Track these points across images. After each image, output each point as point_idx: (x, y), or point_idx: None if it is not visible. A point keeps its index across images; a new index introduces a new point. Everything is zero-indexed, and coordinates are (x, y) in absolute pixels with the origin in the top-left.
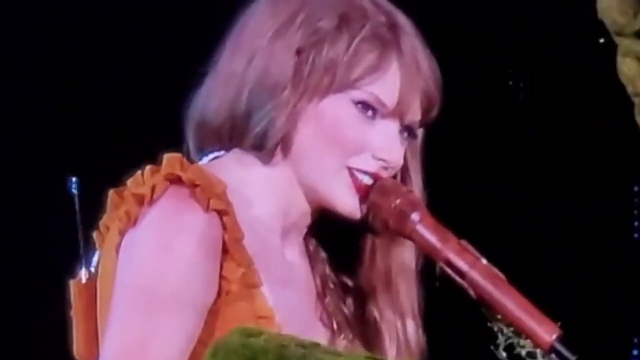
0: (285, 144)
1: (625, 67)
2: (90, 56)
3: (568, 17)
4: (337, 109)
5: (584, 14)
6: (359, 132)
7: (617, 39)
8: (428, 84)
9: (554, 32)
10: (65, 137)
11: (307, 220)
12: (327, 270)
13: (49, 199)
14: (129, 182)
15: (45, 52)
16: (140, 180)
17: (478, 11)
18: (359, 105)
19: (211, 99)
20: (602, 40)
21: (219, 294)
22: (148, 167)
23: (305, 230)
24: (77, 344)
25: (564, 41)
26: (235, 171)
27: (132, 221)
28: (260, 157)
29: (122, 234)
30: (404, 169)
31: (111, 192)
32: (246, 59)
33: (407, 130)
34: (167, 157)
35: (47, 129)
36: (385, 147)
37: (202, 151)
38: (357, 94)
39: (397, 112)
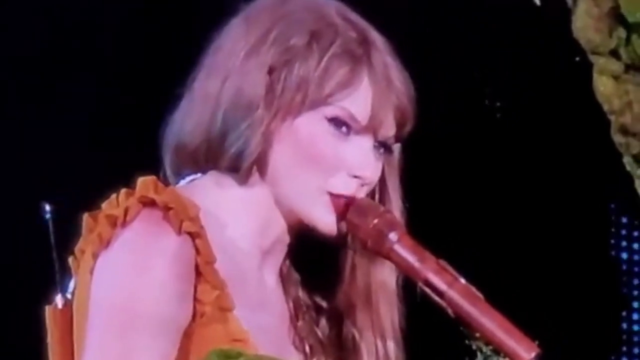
0: (261, 164)
1: (601, 85)
2: (65, 77)
3: (544, 36)
4: (311, 126)
5: (559, 32)
6: (333, 149)
7: (592, 58)
8: (400, 99)
9: (530, 50)
10: (41, 161)
11: (287, 240)
12: (300, 292)
13: (23, 226)
14: (104, 205)
15: (21, 72)
16: (115, 203)
17: (454, 29)
18: (333, 122)
19: (186, 121)
20: (577, 59)
21: (193, 316)
22: (123, 191)
23: (285, 250)
24: None
25: (540, 60)
26: (211, 193)
27: (104, 243)
28: (236, 179)
29: (95, 256)
30: (382, 186)
31: (86, 216)
32: (220, 80)
33: (382, 145)
34: (141, 180)
35: (22, 154)
36: (360, 163)
37: (179, 174)
38: (330, 110)
39: (370, 128)
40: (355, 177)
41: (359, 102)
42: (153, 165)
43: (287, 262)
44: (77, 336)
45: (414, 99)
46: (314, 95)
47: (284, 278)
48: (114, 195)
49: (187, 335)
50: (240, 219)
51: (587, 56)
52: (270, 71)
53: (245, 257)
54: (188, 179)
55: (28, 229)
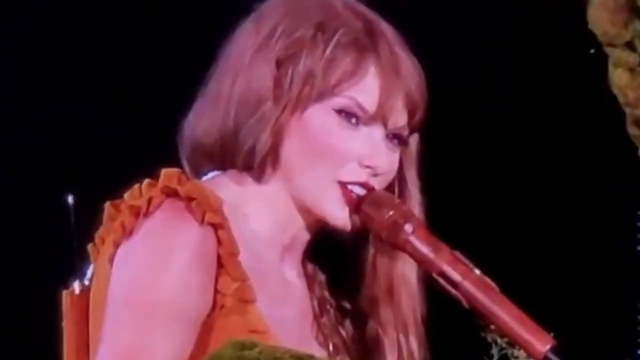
0: (274, 159)
1: (617, 77)
2: (88, 71)
3: (559, 28)
4: (320, 119)
5: (574, 24)
6: (343, 140)
7: (608, 50)
8: (409, 88)
9: (545, 42)
10: (64, 151)
11: (306, 236)
12: (326, 293)
13: (45, 213)
14: (127, 195)
15: (44, 65)
16: (138, 193)
17: (469, 20)
18: (342, 113)
19: (201, 121)
20: (592, 51)
21: (213, 307)
22: (146, 181)
23: (304, 247)
24: (68, 356)
25: (555, 52)
26: (232, 189)
27: (127, 233)
28: (253, 176)
29: (116, 245)
30: (401, 179)
31: (107, 205)
32: (231, 79)
33: (396, 137)
34: (165, 171)
35: (46, 143)
36: (371, 153)
37: (198, 173)
38: (338, 101)
39: (380, 117)
40: (367, 167)
41: (366, 91)
42: (177, 159)
43: (312, 263)
44: (93, 322)
45: (424, 87)
46: (321, 87)
47: (309, 277)
48: (136, 186)
49: (207, 327)
50: (261, 215)
51: (603, 48)
52: (278, 65)
53: (267, 251)
54: (209, 175)
55: (50, 217)
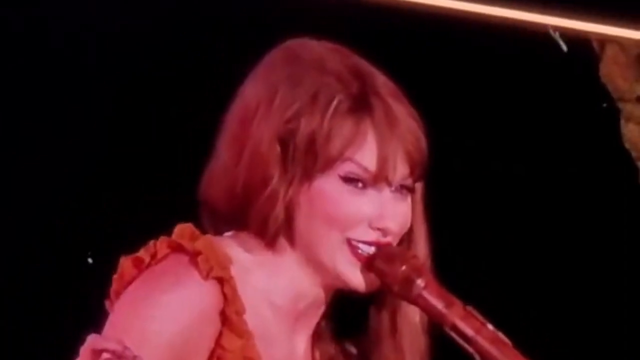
0: (286, 231)
1: (628, 131)
2: (109, 125)
3: (572, 82)
4: (328, 188)
5: (587, 78)
6: (353, 207)
7: (619, 104)
8: (407, 142)
9: (557, 97)
10: (90, 212)
11: (322, 302)
12: (333, 349)
13: (68, 270)
14: (142, 250)
15: (72, 116)
16: (150, 248)
17: (485, 75)
18: (348, 180)
19: (213, 186)
20: (605, 105)
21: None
22: (161, 238)
23: (321, 312)
24: None
25: (568, 106)
26: (244, 251)
27: (126, 283)
28: (266, 243)
29: (116, 294)
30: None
31: (122, 259)
32: (237, 150)
33: (403, 187)
34: (179, 226)
35: (69, 201)
36: (380, 214)
37: (217, 231)
38: (343, 168)
39: (382, 177)
40: (378, 229)
41: (368, 154)
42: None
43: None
44: None
45: (423, 140)
46: (324, 158)
47: (315, 336)
48: (152, 242)
49: None
50: (273, 283)
51: (615, 102)
52: (280, 141)
53: (276, 320)
54: (226, 234)
55: (73, 274)
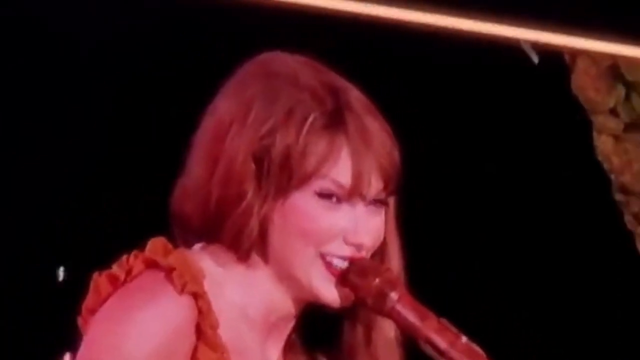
0: (260, 246)
1: (601, 143)
2: (85, 137)
3: (544, 94)
4: (303, 204)
5: (558, 90)
6: (328, 222)
7: (592, 116)
8: (381, 157)
9: (529, 109)
10: (60, 224)
11: (293, 316)
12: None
13: (36, 287)
14: (114, 266)
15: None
16: (124, 264)
17: (452, 88)
18: (323, 196)
19: (185, 201)
20: (577, 117)
21: None
22: (134, 252)
23: (292, 325)
24: None
25: (540, 118)
26: (215, 265)
27: (101, 300)
28: (239, 257)
29: (91, 312)
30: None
31: (95, 276)
32: (210, 165)
33: (377, 200)
34: (151, 241)
35: (39, 214)
36: (354, 230)
37: (188, 244)
38: (318, 185)
39: (357, 193)
40: (352, 244)
41: (343, 170)
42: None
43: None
44: None
45: (396, 155)
46: (299, 174)
47: (287, 347)
48: (124, 257)
49: None
50: (246, 296)
51: (587, 115)
52: (254, 158)
53: (249, 332)
54: (197, 246)
55: (43, 290)
